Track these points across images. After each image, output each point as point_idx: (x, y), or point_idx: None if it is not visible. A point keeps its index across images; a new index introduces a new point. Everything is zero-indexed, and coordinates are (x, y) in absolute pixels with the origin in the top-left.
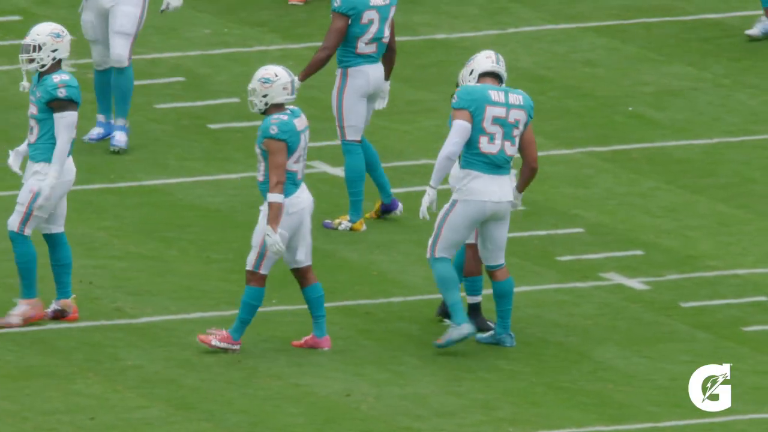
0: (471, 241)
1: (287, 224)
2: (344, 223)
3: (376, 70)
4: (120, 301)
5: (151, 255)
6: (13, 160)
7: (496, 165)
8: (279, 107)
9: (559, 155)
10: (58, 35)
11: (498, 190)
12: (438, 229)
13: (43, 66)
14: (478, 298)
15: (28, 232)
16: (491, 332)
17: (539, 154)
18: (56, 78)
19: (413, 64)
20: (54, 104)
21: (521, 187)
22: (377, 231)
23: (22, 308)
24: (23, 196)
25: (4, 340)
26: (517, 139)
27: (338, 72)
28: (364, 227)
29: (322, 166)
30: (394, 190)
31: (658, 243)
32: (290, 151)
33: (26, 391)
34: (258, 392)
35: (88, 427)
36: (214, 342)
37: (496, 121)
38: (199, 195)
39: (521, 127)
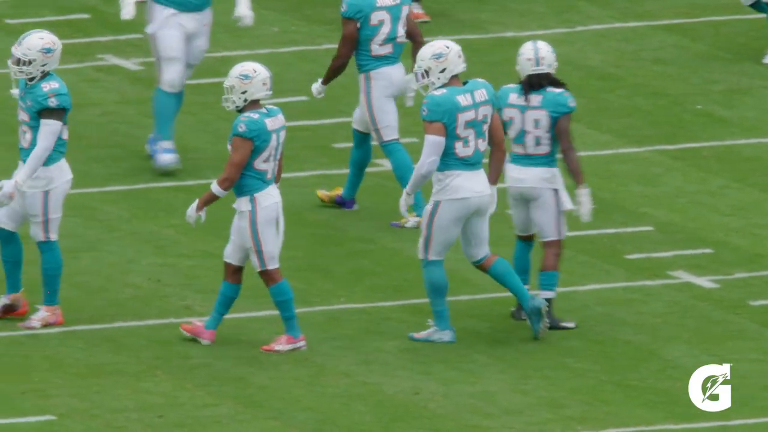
0: (552, 238)
1: (264, 217)
2: (411, 220)
3: (397, 70)
4: (189, 299)
5: (220, 253)
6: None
7: (471, 163)
8: (255, 104)
9: (627, 153)
10: (48, 50)
11: (478, 183)
12: (427, 231)
13: (32, 79)
14: (552, 293)
15: (54, 237)
16: (523, 314)
17: (608, 152)
18: (45, 87)
19: (481, 62)
20: (43, 113)
21: (494, 177)
22: None
23: (42, 314)
24: (34, 207)
25: (74, 338)
26: (486, 133)
27: (361, 77)
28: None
29: (388, 164)
30: None
31: (727, 241)
32: (258, 150)
33: (96, 389)
34: (326, 390)
35: (156, 424)
36: (278, 347)
37: (468, 124)
38: None
39: (489, 119)
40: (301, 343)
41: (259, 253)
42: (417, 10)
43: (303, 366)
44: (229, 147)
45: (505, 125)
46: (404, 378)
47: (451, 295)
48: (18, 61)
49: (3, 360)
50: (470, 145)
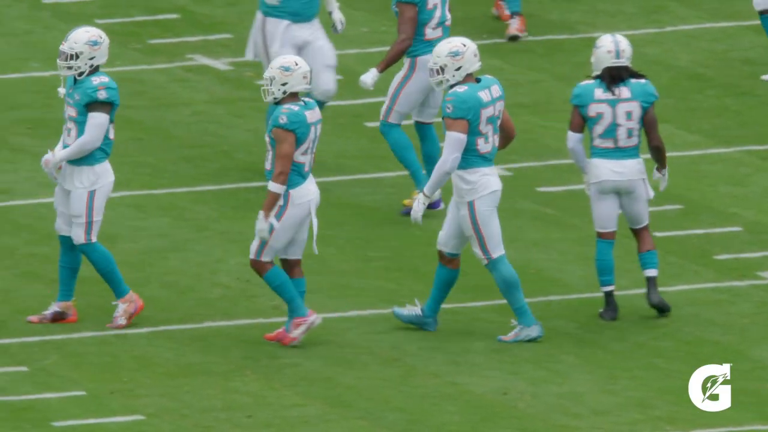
0: (646, 223)
1: (292, 215)
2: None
3: None
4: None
5: (309, 253)
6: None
7: (490, 159)
8: (294, 97)
9: (716, 154)
10: (95, 43)
11: (497, 177)
12: (477, 234)
13: (80, 74)
14: (656, 271)
15: (94, 239)
16: (415, 311)
17: (697, 152)
18: (95, 80)
19: (571, 62)
20: (91, 106)
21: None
22: (535, 229)
23: (122, 308)
24: (78, 207)
25: (163, 338)
26: (499, 127)
27: (407, 61)
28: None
29: None
30: (551, 188)
31: None
32: (298, 142)
33: (185, 389)
34: (415, 390)
35: (245, 424)
36: (294, 333)
37: (489, 120)
38: (356, 193)
39: (501, 114)
40: (312, 317)
41: (262, 244)
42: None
43: (392, 366)
44: (266, 138)
45: (591, 121)
46: (493, 378)
47: (540, 295)
48: (66, 57)
49: (92, 360)
50: (489, 141)
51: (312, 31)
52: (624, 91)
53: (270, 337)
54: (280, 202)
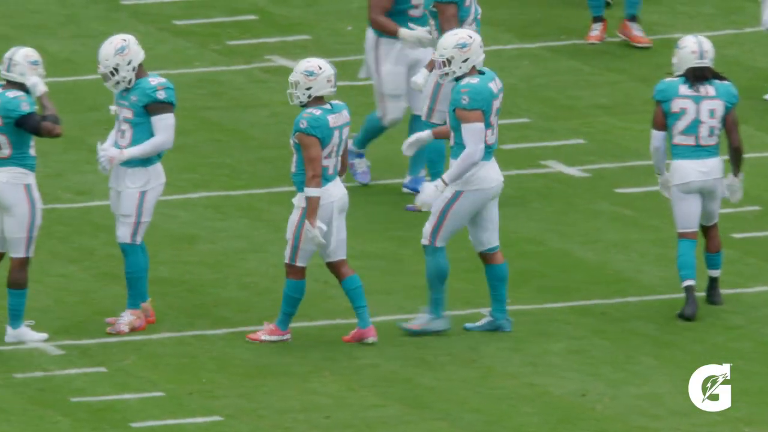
0: (716, 221)
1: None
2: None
3: None
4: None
5: (385, 254)
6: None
7: (492, 151)
8: (320, 100)
9: None
10: (122, 49)
11: (496, 171)
12: (440, 218)
13: (129, 82)
14: (718, 272)
15: (139, 240)
16: (486, 320)
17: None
18: (153, 81)
19: (650, 64)
20: (152, 107)
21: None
22: (613, 230)
23: (128, 318)
24: (128, 207)
25: (242, 339)
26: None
27: None
28: None
29: (557, 166)
30: (630, 189)
31: None
32: (321, 145)
33: (263, 390)
34: (493, 392)
35: (323, 425)
36: (264, 337)
37: (496, 112)
38: None
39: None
40: (287, 336)
41: (294, 248)
42: (637, 32)
43: (470, 367)
44: (291, 142)
45: (673, 117)
46: (571, 379)
47: (618, 296)
48: (108, 77)
49: (170, 361)
50: (494, 133)
51: (422, 52)
52: (709, 89)
53: (348, 338)
54: (303, 204)
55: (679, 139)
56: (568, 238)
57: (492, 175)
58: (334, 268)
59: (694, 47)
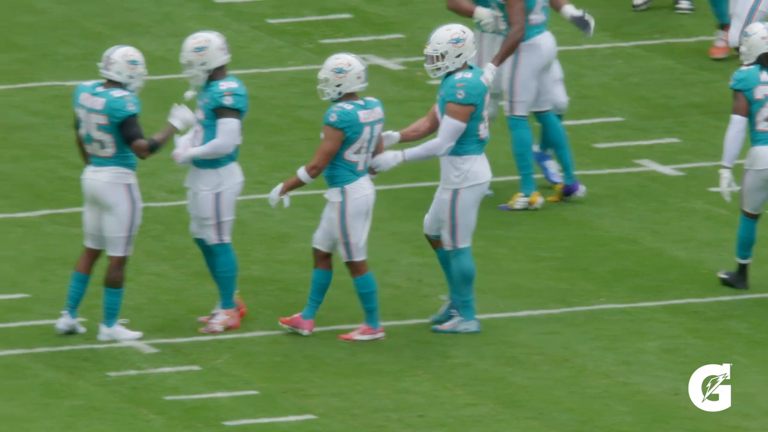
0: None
1: (353, 209)
2: (520, 200)
3: (548, 39)
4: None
5: (481, 253)
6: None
7: (483, 146)
8: (352, 96)
9: None
10: (200, 49)
11: (487, 166)
12: (452, 221)
13: (200, 81)
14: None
15: (227, 239)
16: (445, 306)
17: None
18: (223, 85)
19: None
20: (218, 111)
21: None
22: (707, 229)
23: (222, 318)
24: (205, 210)
25: (334, 337)
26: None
27: None
28: (540, 199)
29: (651, 165)
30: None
31: None
32: (349, 141)
33: (357, 388)
34: (586, 390)
35: (417, 424)
36: (357, 336)
37: (487, 106)
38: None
39: None
40: (380, 335)
41: (347, 244)
42: (720, 44)
43: (563, 366)
44: (321, 135)
45: (757, 104)
46: (665, 378)
47: (711, 295)
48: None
49: (264, 359)
50: (486, 126)
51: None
52: None
53: (285, 320)
54: (339, 198)
55: (763, 126)
56: (662, 236)
57: (484, 169)
58: (320, 255)
59: (764, 33)
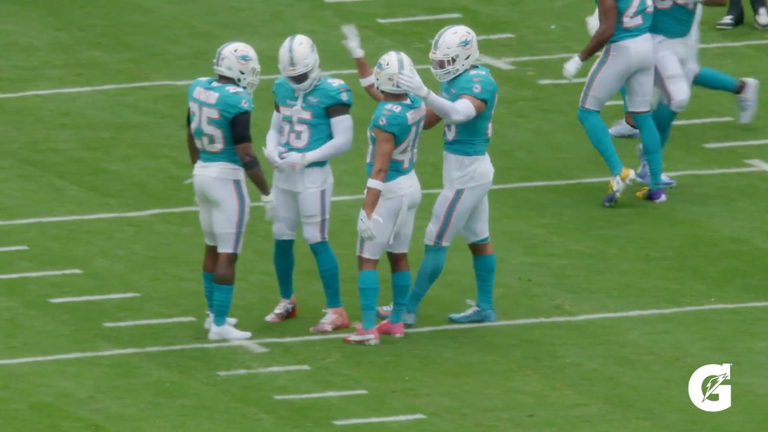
0: None
1: (384, 208)
2: (615, 183)
3: (641, 43)
4: (559, 298)
5: (590, 252)
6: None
7: (487, 144)
8: (396, 96)
9: None
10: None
11: (490, 164)
12: (446, 219)
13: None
14: None
15: (326, 237)
16: (472, 310)
17: None
18: (334, 83)
19: None
20: (333, 108)
21: None
22: None
23: (331, 317)
24: (312, 207)
25: (444, 337)
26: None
27: (606, 46)
28: (631, 172)
29: (762, 165)
30: None
31: None
32: (398, 141)
33: (466, 388)
34: None
35: (526, 423)
36: (352, 338)
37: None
38: (637, 192)
39: None
40: (370, 336)
41: (362, 240)
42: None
43: (673, 366)
44: (368, 134)
45: None
46: None
47: None
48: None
49: (374, 359)
50: (491, 125)
51: (686, 50)
52: None
53: (375, 329)
54: None
55: None
56: None
57: (488, 168)
58: (393, 258)
59: None
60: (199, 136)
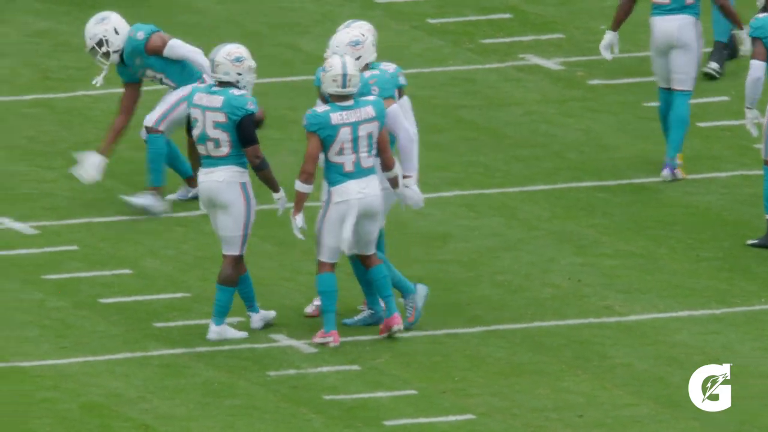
0: None
1: (332, 212)
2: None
3: (665, 22)
4: (609, 299)
5: (641, 253)
6: None
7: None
8: (341, 98)
9: None
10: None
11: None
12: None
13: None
14: None
15: None
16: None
17: None
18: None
19: None
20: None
21: None
22: None
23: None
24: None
25: (495, 337)
26: None
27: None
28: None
29: None
30: None
31: None
32: (326, 143)
33: (516, 388)
34: (745, 391)
35: (576, 424)
36: (316, 340)
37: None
38: (687, 192)
39: None
40: (329, 339)
41: (319, 244)
42: None
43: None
44: None
45: None
46: None
47: None
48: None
49: (424, 359)
50: None
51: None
52: None
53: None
54: (324, 198)
55: None
56: None
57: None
58: (362, 260)
59: None
60: (203, 141)
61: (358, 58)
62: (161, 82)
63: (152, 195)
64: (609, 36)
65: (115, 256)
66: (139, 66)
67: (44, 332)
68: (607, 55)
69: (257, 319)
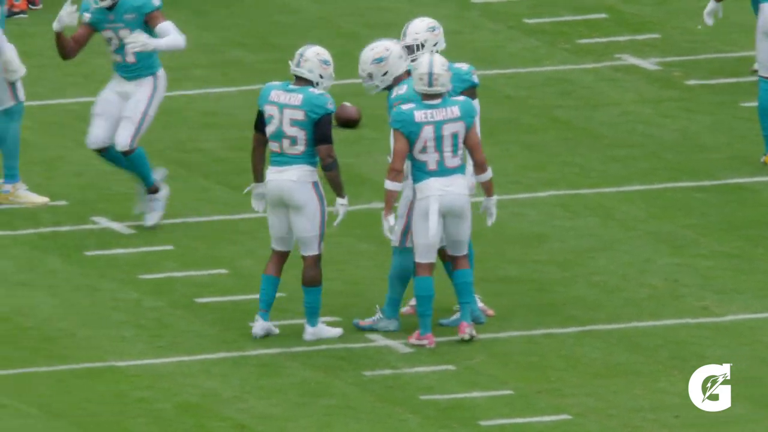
0: None
1: (416, 209)
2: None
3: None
4: (706, 299)
5: (737, 253)
6: None
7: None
8: (430, 96)
9: None
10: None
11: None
12: (408, 219)
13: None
14: None
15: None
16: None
17: None
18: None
19: None
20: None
21: None
22: None
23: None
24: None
25: (591, 337)
26: None
27: None
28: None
29: None
30: None
31: None
32: (410, 140)
33: (612, 389)
34: None
35: (672, 425)
36: (412, 341)
37: None
38: None
39: None
40: (426, 342)
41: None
42: None
43: None
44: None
45: None
46: None
47: None
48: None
49: (519, 359)
50: None
51: None
52: None
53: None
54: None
55: None
56: None
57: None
58: (451, 260)
59: None
60: (279, 138)
61: (384, 74)
62: (117, 49)
63: (153, 200)
64: (712, 4)
65: (212, 256)
66: (120, 21)
67: (140, 332)
68: (709, 21)
69: (261, 326)
